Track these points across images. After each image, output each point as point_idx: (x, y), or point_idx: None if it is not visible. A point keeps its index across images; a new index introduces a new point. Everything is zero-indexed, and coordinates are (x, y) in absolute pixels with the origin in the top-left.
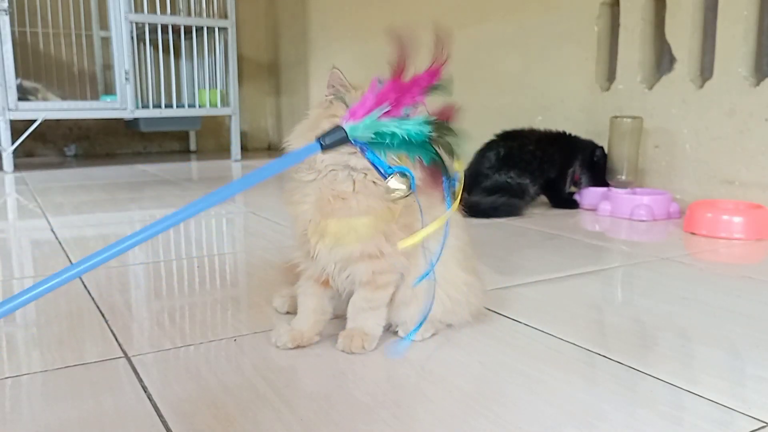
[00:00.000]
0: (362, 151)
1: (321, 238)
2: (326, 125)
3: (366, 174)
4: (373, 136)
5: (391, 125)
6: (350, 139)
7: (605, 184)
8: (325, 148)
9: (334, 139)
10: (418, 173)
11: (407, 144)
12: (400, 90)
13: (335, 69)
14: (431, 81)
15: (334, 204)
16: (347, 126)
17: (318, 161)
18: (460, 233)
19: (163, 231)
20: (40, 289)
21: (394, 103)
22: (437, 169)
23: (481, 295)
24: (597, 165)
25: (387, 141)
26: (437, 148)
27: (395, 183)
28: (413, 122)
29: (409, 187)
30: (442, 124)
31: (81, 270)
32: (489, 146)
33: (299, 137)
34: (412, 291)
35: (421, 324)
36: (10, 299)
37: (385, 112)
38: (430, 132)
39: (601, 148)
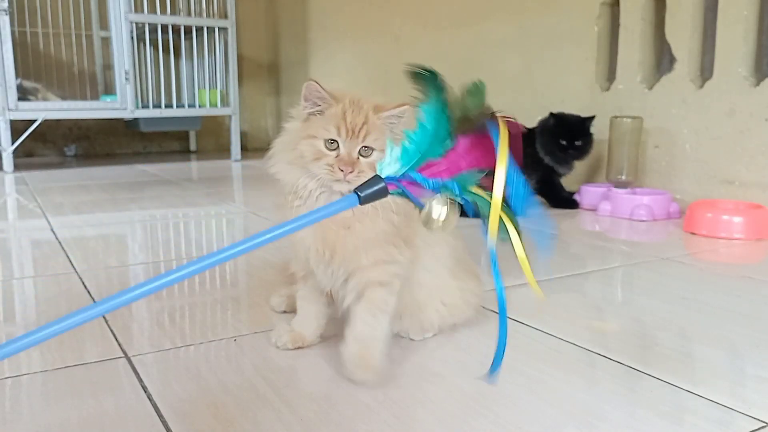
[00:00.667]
0: (400, 187)
1: (326, 264)
2: (304, 147)
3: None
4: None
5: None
6: (392, 184)
7: (558, 148)
8: (363, 201)
9: (372, 192)
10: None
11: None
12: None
13: (312, 81)
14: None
15: (339, 233)
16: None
17: (300, 187)
18: (450, 239)
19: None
20: (58, 326)
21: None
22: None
23: (479, 294)
24: (542, 134)
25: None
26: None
27: (437, 208)
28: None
29: (453, 209)
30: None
31: (104, 309)
32: None
33: (280, 160)
34: (404, 304)
35: (499, 360)
36: (24, 336)
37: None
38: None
39: (550, 113)
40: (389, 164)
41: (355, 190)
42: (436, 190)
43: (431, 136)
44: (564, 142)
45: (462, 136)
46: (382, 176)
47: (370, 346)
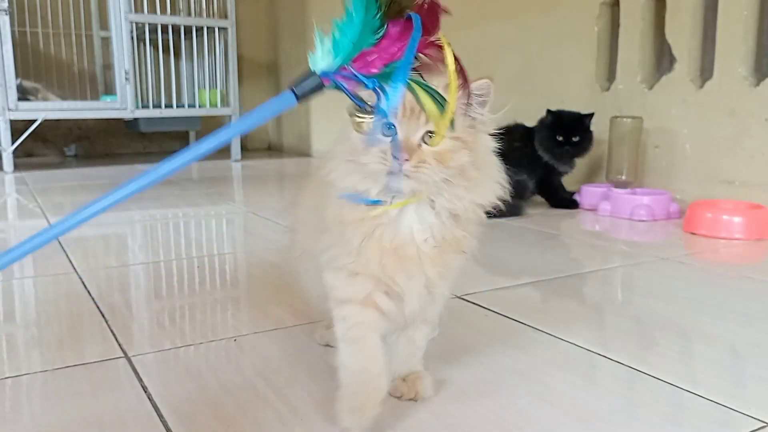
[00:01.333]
0: (334, 81)
1: (430, 290)
2: (355, 136)
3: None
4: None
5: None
6: (327, 78)
7: (555, 144)
8: (301, 98)
9: (309, 89)
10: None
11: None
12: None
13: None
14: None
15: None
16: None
17: (381, 212)
18: None
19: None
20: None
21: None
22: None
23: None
24: (542, 130)
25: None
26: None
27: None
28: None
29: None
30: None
31: (57, 232)
32: None
33: (339, 163)
34: None
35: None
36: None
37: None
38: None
39: (547, 111)
40: (322, 58)
41: (290, 87)
42: (372, 84)
43: (361, 24)
44: (561, 138)
45: (392, 21)
46: (316, 71)
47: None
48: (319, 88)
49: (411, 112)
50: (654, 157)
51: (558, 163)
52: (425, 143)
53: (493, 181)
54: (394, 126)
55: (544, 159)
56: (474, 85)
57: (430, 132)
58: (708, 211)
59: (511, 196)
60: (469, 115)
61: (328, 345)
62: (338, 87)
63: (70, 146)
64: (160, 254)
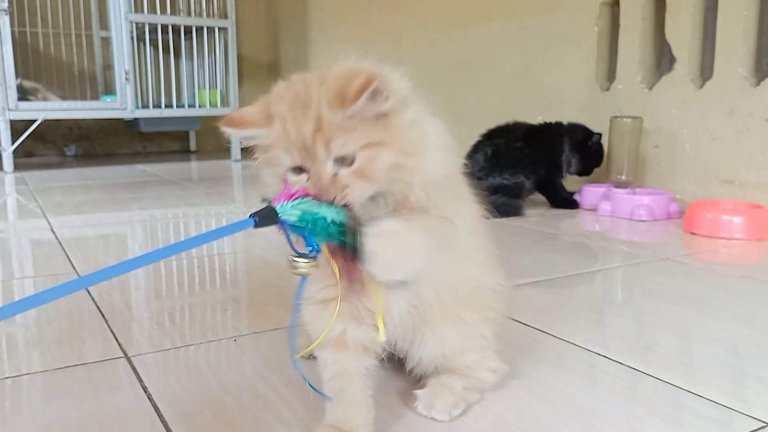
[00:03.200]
0: (285, 231)
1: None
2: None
3: None
4: (297, 217)
5: (315, 208)
6: (279, 219)
7: (597, 164)
8: (258, 225)
9: (265, 218)
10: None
11: (327, 229)
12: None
13: (226, 119)
14: None
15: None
16: (277, 206)
17: None
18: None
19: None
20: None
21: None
22: (354, 256)
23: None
24: (583, 148)
25: (309, 226)
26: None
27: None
28: (334, 208)
29: (312, 268)
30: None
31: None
32: (476, 148)
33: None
34: None
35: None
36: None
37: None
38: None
39: (588, 131)
40: (288, 211)
41: (252, 215)
42: (308, 244)
43: (325, 229)
44: (588, 167)
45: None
46: (276, 210)
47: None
48: (274, 222)
49: (303, 146)
50: (654, 157)
51: (566, 173)
52: (341, 168)
53: (434, 151)
54: (302, 169)
55: (559, 164)
56: (363, 97)
57: (340, 156)
58: (708, 211)
59: (509, 197)
60: (370, 113)
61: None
62: (284, 231)
63: (70, 146)
64: None
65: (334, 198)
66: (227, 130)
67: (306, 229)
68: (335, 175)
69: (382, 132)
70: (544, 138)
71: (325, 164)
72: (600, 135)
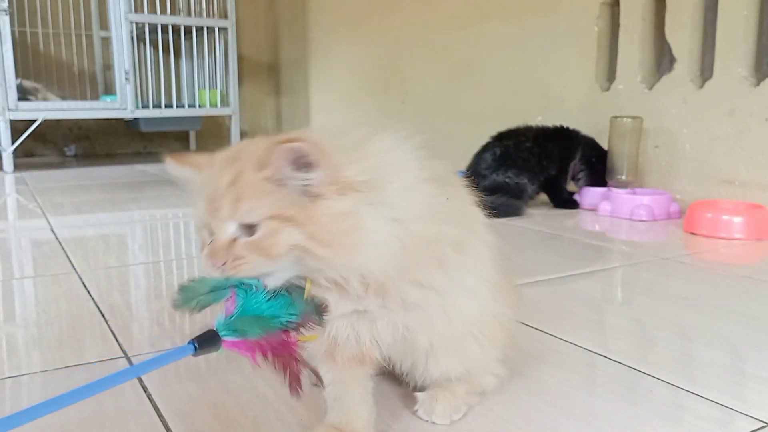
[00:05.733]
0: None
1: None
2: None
3: None
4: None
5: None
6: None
7: (603, 184)
8: (198, 352)
9: (207, 346)
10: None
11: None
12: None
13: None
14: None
15: None
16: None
17: None
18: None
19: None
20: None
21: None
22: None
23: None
24: (595, 165)
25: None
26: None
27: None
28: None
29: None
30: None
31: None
32: (485, 148)
33: None
34: None
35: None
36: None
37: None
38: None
39: (602, 150)
40: (226, 329)
41: (191, 341)
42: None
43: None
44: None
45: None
46: (218, 332)
47: None
48: (217, 348)
49: (213, 198)
50: (654, 157)
51: (571, 179)
52: (244, 234)
53: (372, 248)
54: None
55: (571, 168)
56: (282, 151)
57: (245, 224)
58: (708, 211)
59: (509, 197)
60: (292, 185)
61: None
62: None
63: (70, 146)
64: (160, 254)
65: (224, 264)
66: (168, 163)
67: (258, 333)
68: (234, 240)
69: (297, 209)
70: (560, 140)
71: (224, 223)
72: (602, 151)
